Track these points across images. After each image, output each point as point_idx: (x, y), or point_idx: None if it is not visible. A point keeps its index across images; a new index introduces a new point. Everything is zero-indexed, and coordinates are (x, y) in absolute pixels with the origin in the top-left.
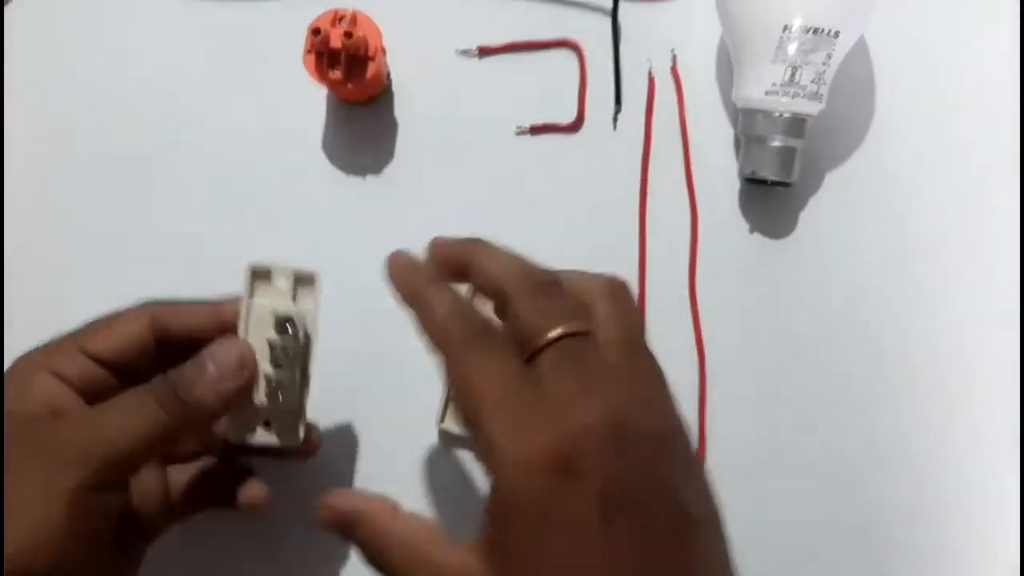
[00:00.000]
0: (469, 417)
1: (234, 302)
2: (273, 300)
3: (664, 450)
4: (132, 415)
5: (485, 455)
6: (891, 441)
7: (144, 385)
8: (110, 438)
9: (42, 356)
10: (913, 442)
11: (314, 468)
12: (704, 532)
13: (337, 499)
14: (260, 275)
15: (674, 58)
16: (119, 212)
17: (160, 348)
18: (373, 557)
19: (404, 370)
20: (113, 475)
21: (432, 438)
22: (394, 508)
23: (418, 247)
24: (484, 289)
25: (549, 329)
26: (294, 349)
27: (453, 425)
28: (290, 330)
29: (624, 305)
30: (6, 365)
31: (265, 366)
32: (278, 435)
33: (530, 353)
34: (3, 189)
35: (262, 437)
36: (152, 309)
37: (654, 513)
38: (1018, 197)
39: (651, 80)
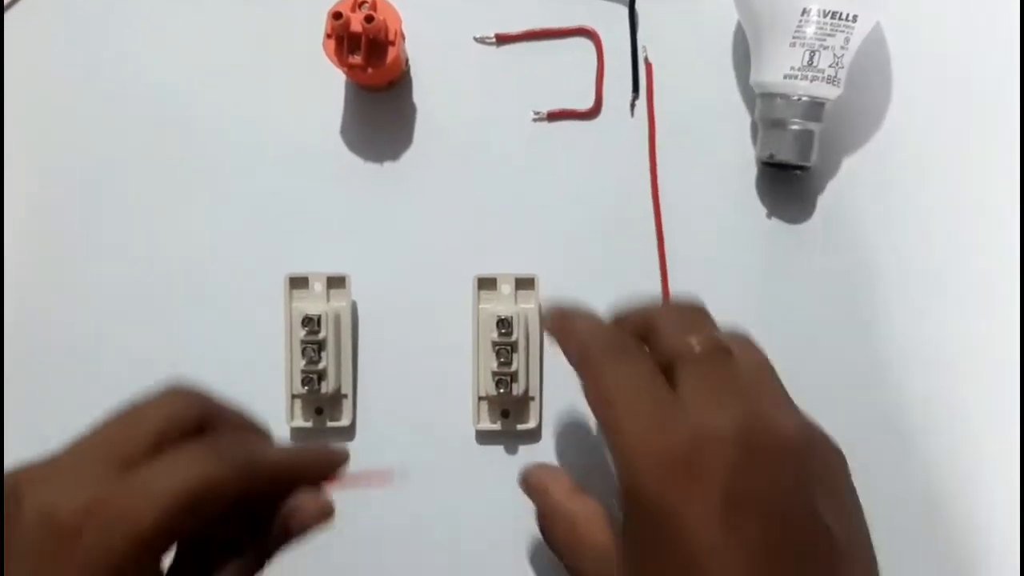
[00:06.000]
0: (605, 419)
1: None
2: (310, 303)
3: (799, 465)
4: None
5: (616, 450)
6: (903, 430)
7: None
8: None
9: None
10: (929, 434)
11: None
12: (846, 556)
13: (529, 473)
14: (297, 283)
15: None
16: (133, 203)
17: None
18: (543, 525)
19: (430, 360)
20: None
21: (466, 433)
22: (572, 489)
23: (434, 233)
24: (635, 326)
25: (690, 342)
26: (328, 342)
27: (487, 424)
28: (319, 327)
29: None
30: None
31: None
32: (329, 420)
33: (671, 365)
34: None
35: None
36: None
37: (784, 525)
38: None
39: (648, 66)
